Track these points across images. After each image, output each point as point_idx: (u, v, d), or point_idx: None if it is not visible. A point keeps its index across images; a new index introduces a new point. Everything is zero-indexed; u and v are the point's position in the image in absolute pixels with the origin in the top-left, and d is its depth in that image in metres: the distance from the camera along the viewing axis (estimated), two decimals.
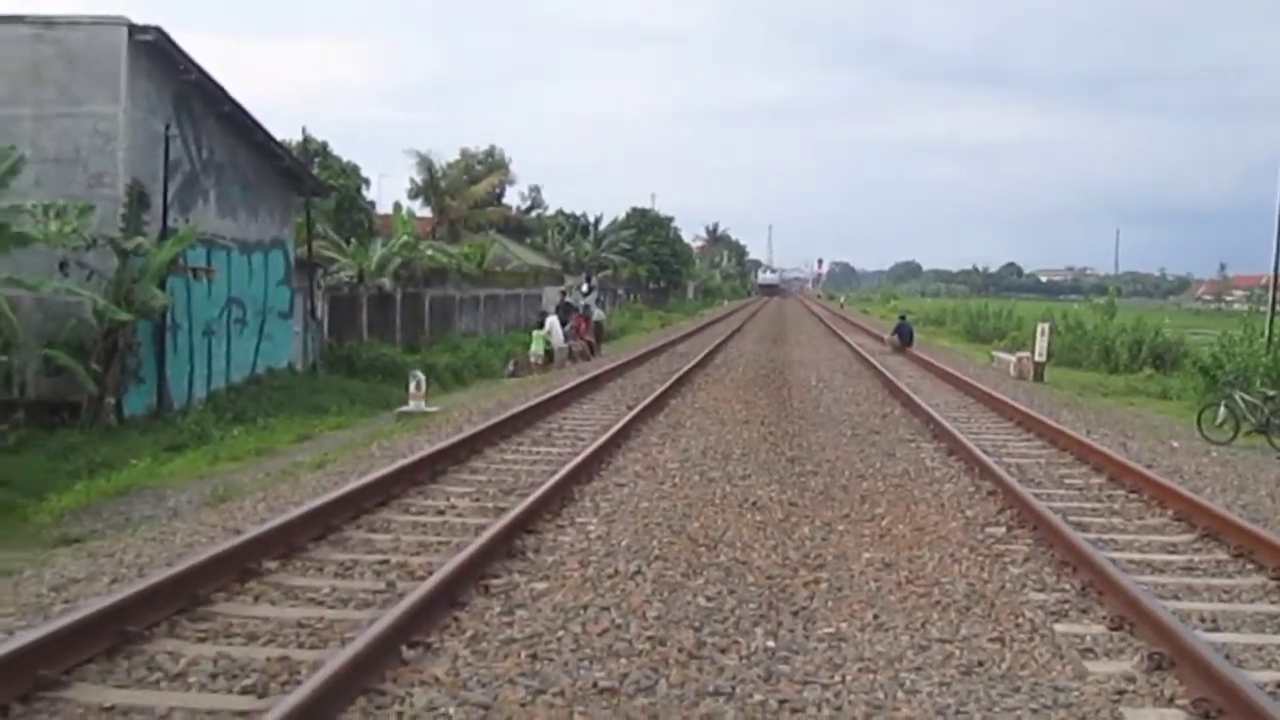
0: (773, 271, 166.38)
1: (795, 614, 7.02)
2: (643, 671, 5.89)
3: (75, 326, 18.03)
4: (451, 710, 5.25)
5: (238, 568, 7.45)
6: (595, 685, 5.66)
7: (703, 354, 28.39)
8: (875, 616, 6.99)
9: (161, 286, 18.84)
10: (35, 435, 16.80)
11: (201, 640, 6.26)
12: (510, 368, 28.66)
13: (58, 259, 17.73)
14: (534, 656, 6.03)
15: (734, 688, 5.74)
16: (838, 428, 15.69)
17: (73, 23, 18.81)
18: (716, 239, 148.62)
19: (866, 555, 8.49)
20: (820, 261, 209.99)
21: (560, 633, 6.42)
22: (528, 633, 6.40)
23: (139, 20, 18.82)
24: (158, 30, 18.91)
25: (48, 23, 18.77)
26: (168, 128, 19.97)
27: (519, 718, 5.22)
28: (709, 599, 7.23)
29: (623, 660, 6.05)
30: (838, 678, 5.93)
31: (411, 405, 19.13)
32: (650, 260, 77.77)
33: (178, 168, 20.39)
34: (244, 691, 5.51)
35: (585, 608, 6.89)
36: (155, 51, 19.37)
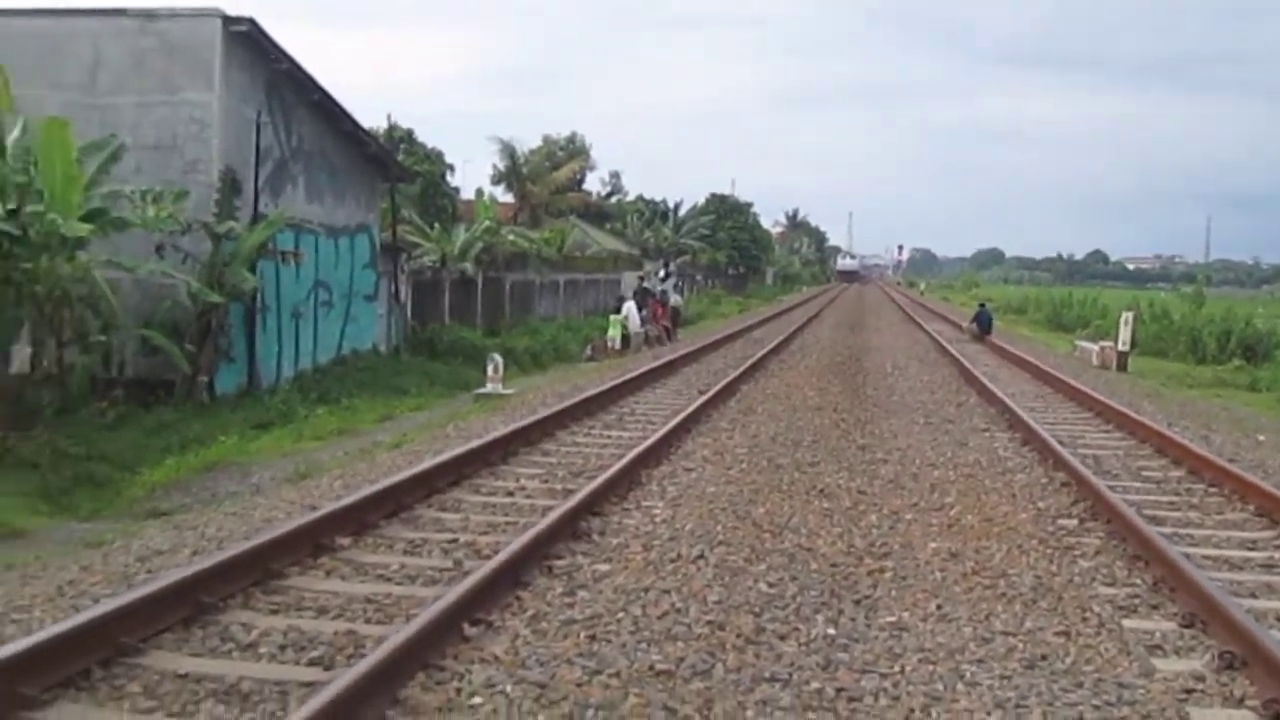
0: (852, 258, 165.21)
1: (858, 602, 7.03)
2: (700, 655, 5.95)
3: (170, 308, 18.60)
4: (509, 688, 5.38)
5: (311, 543, 7.70)
6: (652, 667, 5.74)
7: (778, 340, 28.33)
8: (939, 607, 6.96)
9: (252, 270, 19.37)
10: (133, 412, 17.35)
11: (273, 613, 6.50)
12: (588, 352, 28.90)
13: (155, 242, 18.27)
14: (593, 637, 6.14)
15: (791, 674, 5.77)
16: (911, 415, 15.60)
17: (172, 15, 19.35)
18: (796, 225, 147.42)
19: (933, 545, 8.45)
20: (900, 248, 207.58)
21: (620, 614, 6.52)
22: (588, 614, 6.51)
23: (233, 12, 19.34)
24: (250, 21, 19.39)
25: (149, 15, 19.33)
26: (259, 115, 20.47)
27: (574, 697, 5.32)
28: (771, 585, 7.27)
29: (680, 644, 6.11)
30: (897, 667, 5.92)
31: (489, 387, 19.42)
32: (729, 246, 77.51)
33: (268, 154, 20.91)
34: (311, 663, 5.71)
35: (646, 590, 6.99)
36: (248, 41, 19.87)
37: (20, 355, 15.44)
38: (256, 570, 7.01)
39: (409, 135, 43.29)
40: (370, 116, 56.82)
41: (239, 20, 19.30)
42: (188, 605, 6.31)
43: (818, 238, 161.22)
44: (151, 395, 18.13)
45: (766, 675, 5.76)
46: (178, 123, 19.30)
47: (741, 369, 19.88)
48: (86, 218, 15.59)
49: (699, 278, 67.25)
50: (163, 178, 18.70)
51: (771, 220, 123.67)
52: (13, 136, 15.35)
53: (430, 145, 44.62)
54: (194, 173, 19.25)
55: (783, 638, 6.34)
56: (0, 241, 14.61)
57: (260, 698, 5.27)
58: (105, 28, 19.32)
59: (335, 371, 22.71)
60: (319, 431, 15.83)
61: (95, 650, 5.55)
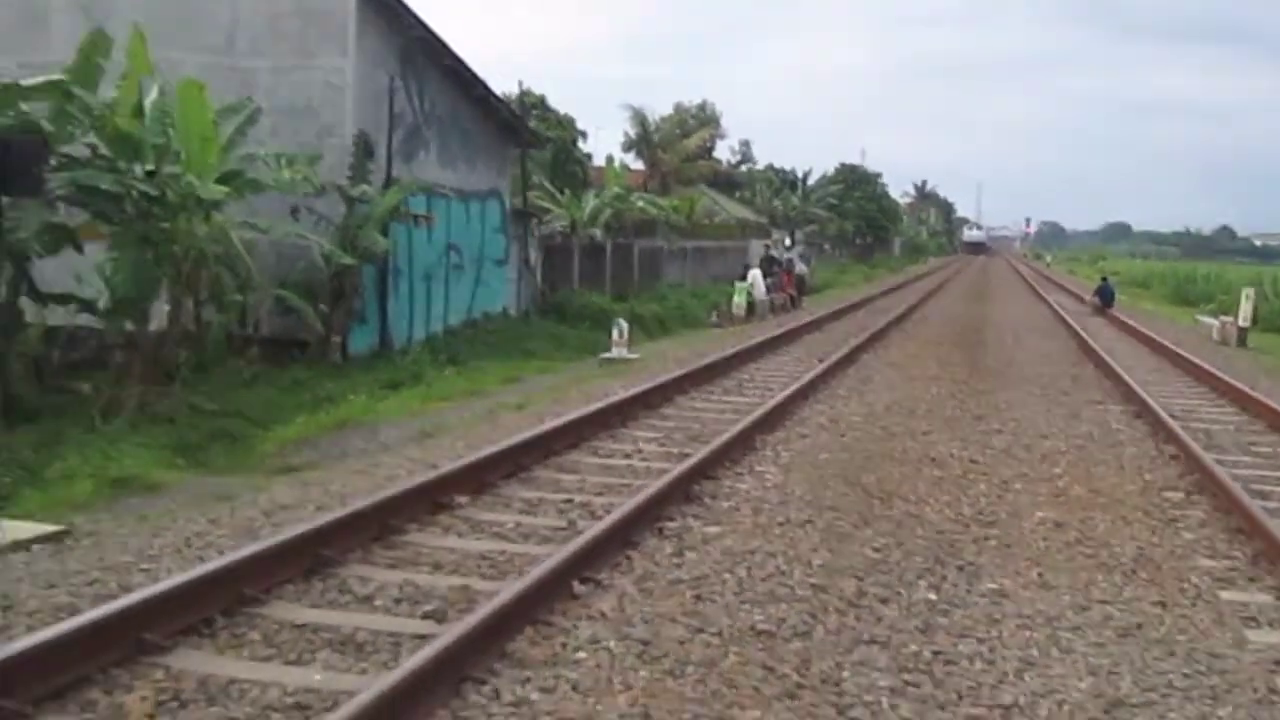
0: (979, 229, 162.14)
1: (960, 569, 7.04)
2: (801, 617, 5.99)
3: (305, 269, 19.03)
4: (612, 644, 5.42)
5: (430, 501, 7.82)
6: (753, 628, 5.79)
7: (901, 310, 28.20)
8: (1040, 575, 6.95)
9: (384, 233, 19.67)
10: (267, 370, 17.82)
11: (391, 567, 6.62)
12: (713, 318, 28.81)
13: (290, 205, 18.68)
14: (698, 597, 6.18)
15: (890, 637, 5.80)
16: (1027, 387, 15.49)
17: None
18: (924, 196, 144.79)
19: (1039, 514, 8.44)
20: (1028, 220, 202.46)
21: (725, 576, 6.57)
22: (694, 574, 6.55)
23: None
24: None
25: None
26: (392, 80, 20.75)
27: (675, 654, 5.37)
28: (876, 550, 7.29)
29: (783, 605, 6.15)
30: (994, 633, 5.94)
31: (614, 352, 19.48)
32: (857, 216, 76.48)
33: (401, 119, 21.19)
34: (425, 616, 5.81)
35: (752, 553, 7.03)
36: (382, 7, 20.13)
37: (159, 313, 15.94)
38: (376, 526, 7.15)
39: (541, 101, 43.53)
40: (502, 83, 57.35)
41: None
42: (309, 558, 6.46)
43: (945, 209, 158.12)
44: (286, 354, 18.59)
45: (865, 638, 5.79)
46: (313, 87, 19.66)
47: (863, 338, 19.73)
48: (223, 179, 15.93)
49: (826, 247, 66.60)
50: (297, 141, 19.10)
51: (900, 191, 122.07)
52: (151, 98, 15.70)
53: (562, 112, 44.89)
54: (328, 136, 19.61)
55: (884, 601, 6.35)
56: (139, 202, 15.02)
57: (374, 648, 5.37)
58: None
59: (465, 334, 23.03)
60: (446, 392, 16.07)
61: (219, 599, 5.70)
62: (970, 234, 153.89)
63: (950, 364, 17.66)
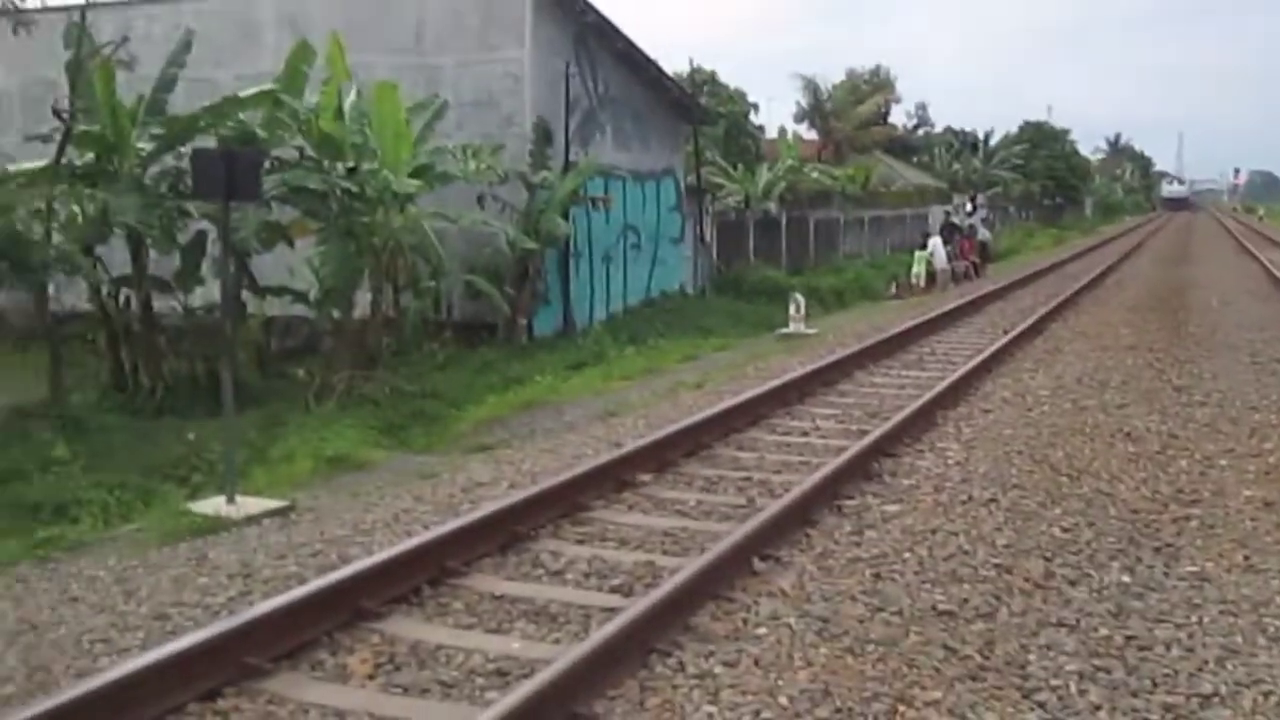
0: (1180, 183, 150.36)
1: (1157, 550, 6.87)
2: (984, 598, 6.00)
3: (491, 255, 19.81)
4: (792, 621, 5.64)
5: (616, 479, 8.23)
6: (934, 607, 5.85)
7: (1093, 275, 27.10)
8: (1246, 558, 6.71)
9: (565, 216, 20.30)
10: (460, 353, 18.66)
11: (580, 543, 7.04)
12: (892, 289, 28.52)
13: (476, 193, 19.46)
14: (877, 576, 6.30)
15: (1079, 620, 5.74)
16: (1235, 355, 14.68)
17: None
18: (1118, 150, 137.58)
19: (1247, 493, 8.08)
20: (1236, 171, 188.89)
21: (906, 555, 6.64)
22: (874, 553, 6.67)
23: None
24: None
25: None
26: (568, 67, 21.31)
27: (855, 632, 5.52)
28: (1064, 530, 7.19)
29: (965, 585, 6.18)
30: (1194, 618, 5.79)
31: (791, 327, 19.62)
32: (1044, 176, 73.49)
33: (577, 104, 21.74)
34: (612, 590, 6.18)
35: (934, 532, 7.06)
36: None
37: (362, 302, 16.88)
38: (565, 503, 7.59)
39: (712, 77, 43.66)
40: (673, 62, 57.67)
41: None
42: (504, 533, 6.94)
43: (1142, 164, 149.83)
44: (476, 337, 19.44)
45: (1053, 620, 5.75)
46: (494, 79, 20.39)
47: (1051, 306, 19.24)
48: (415, 173, 16.80)
49: (1011, 210, 64.57)
50: (481, 132, 19.91)
51: (1091, 147, 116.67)
52: (350, 100, 16.68)
53: (732, 86, 44.93)
54: (510, 126, 20.34)
55: (1073, 583, 6.28)
56: (342, 198, 15.97)
57: (566, 619, 5.78)
58: None
59: (644, 313, 23.52)
60: (627, 371, 16.52)
61: (425, 571, 6.23)
62: (1170, 189, 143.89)
63: (1148, 331, 17.01)
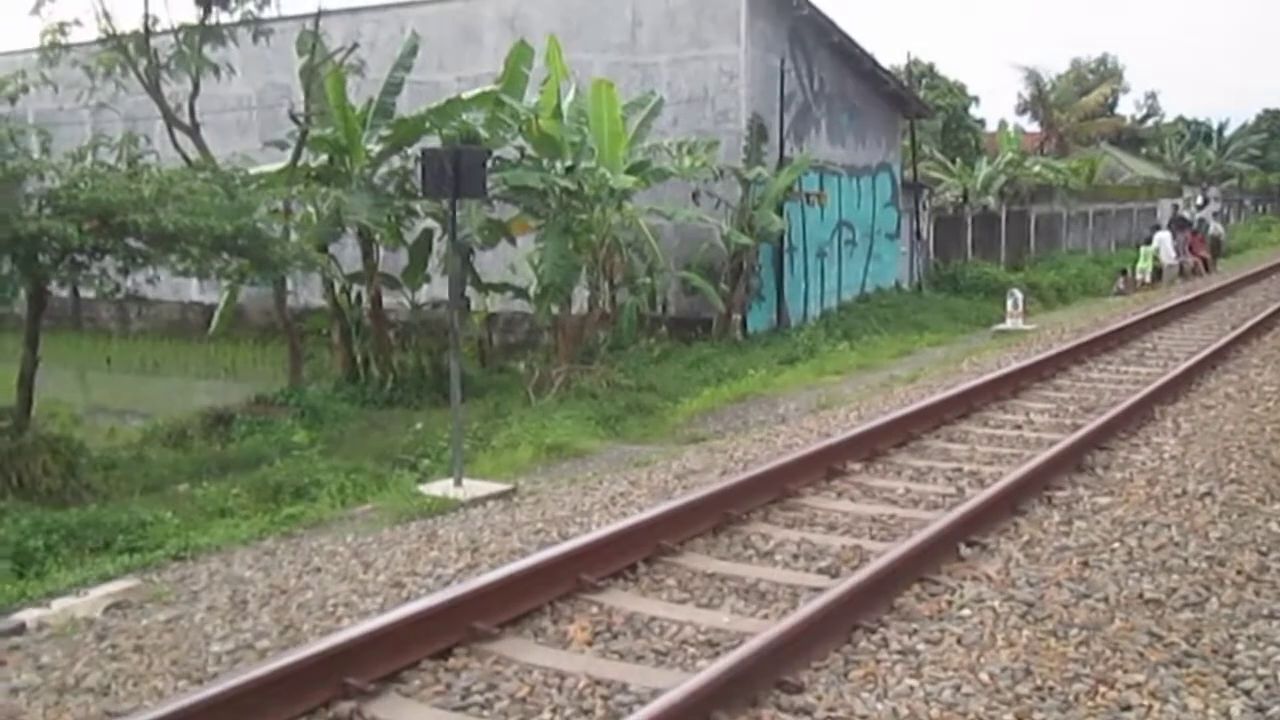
0: None
1: None
2: (1193, 588, 5.92)
3: (706, 250, 20.18)
4: (996, 604, 5.68)
5: (825, 467, 8.37)
6: (1141, 596, 5.80)
7: None
8: None
9: (779, 212, 20.46)
10: (675, 347, 19.11)
11: (789, 527, 7.23)
12: (1118, 285, 27.49)
13: (691, 190, 19.83)
14: (1085, 564, 6.26)
15: None
16: None
17: None
18: None
19: None
20: None
21: (1115, 545, 6.57)
22: (1082, 543, 6.62)
23: None
24: None
25: None
26: (782, 63, 21.46)
27: (1060, 617, 5.53)
28: None
29: (1174, 576, 6.09)
30: None
31: (1008, 323, 19.23)
32: None
33: (792, 100, 21.86)
34: (820, 571, 6.35)
35: (1145, 524, 6.95)
36: None
37: (579, 298, 17.47)
38: (775, 489, 7.78)
39: (930, 70, 42.97)
40: (890, 54, 56.83)
41: None
42: (716, 516, 7.19)
43: None
44: (691, 332, 19.83)
45: (1265, 612, 5.65)
46: (708, 76, 20.73)
47: None
48: (631, 170, 17.23)
49: (1247, 203, 60.86)
50: (696, 128, 20.28)
51: None
52: (568, 99, 17.25)
53: (952, 79, 44.07)
54: (724, 122, 20.65)
55: None
56: (560, 196, 16.56)
57: (774, 597, 5.99)
58: None
59: (858, 309, 23.46)
60: (839, 366, 16.59)
61: (640, 549, 6.53)
62: None
63: None
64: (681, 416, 14.17)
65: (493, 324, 19.34)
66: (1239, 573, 6.17)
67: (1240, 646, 5.24)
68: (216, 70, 16.40)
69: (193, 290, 22.66)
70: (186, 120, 16.50)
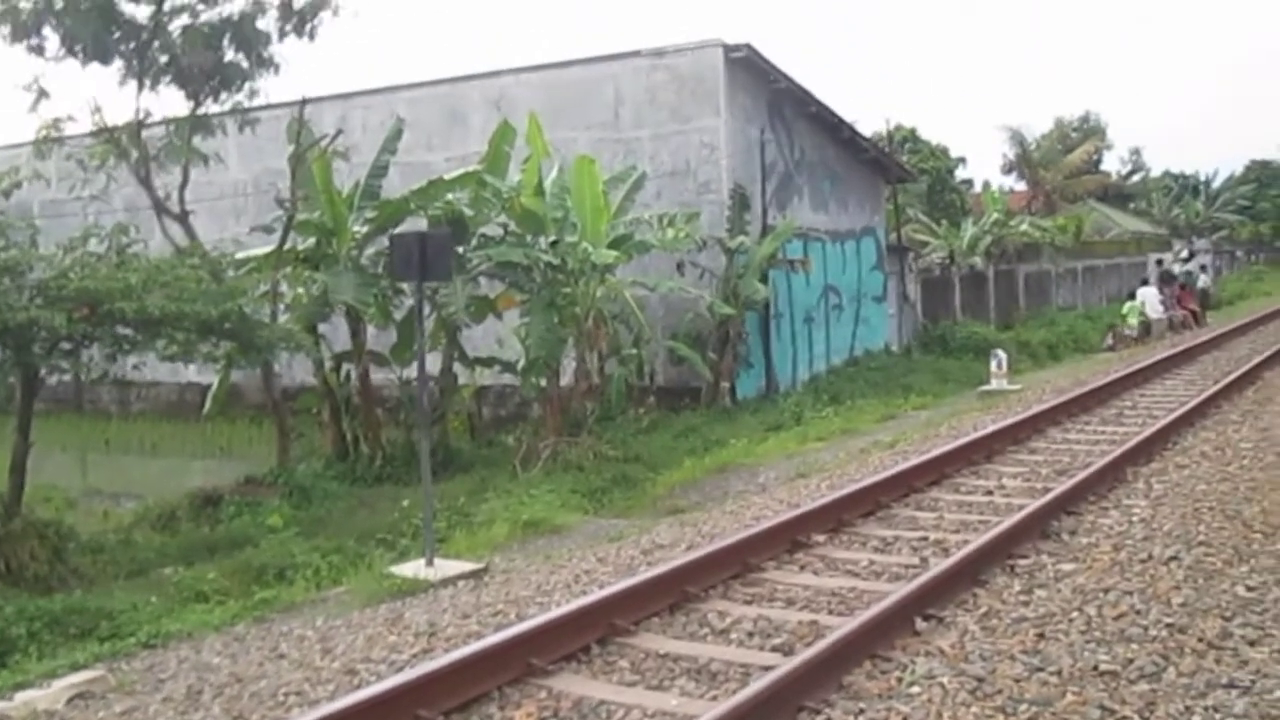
0: None
1: None
2: (1151, 658, 5.86)
3: (693, 320, 20.34)
4: (946, 680, 5.65)
5: (789, 539, 8.38)
6: (1096, 667, 5.75)
7: None
8: None
9: (764, 280, 20.64)
10: (663, 417, 19.18)
11: (748, 603, 7.23)
12: (1108, 340, 27.62)
13: (675, 261, 20.04)
14: (1041, 636, 6.22)
15: (1253, 682, 5.55)
16: None
17: (678, 50, 21.13)
18: None
19: None
20: None
21: (1074, 614, 6.52)
22: (1040, 613, 6.58)
23: (731, 40, 20.76)
24: (748, 47, 20.71)
25: (659, 53, 21.25)
26: (762, 133, 21.81)
27: (1009, 692, 5.49)
28: (1250, 589, 6.91)
29: (1133, 645, 6.05)
30: None
31: (993, 384, 19.28)
32: (1274, 217, 69.09)
33: (773, 169, 22.17)
34: (774, 649, 6.33)
35: (1106, 591, 6.90)
36: (748, 66, 21.23)
37: (568, 369, 17.59)
38: (737, 564, 7.80)
39: (912, 134, 43.43)
40: (872, 119, 57.53)
41: (738, 47, 20.69)
42: (675, 594, 7.20)
43: None
44: (680, 401, 19.92)
45: (1224, 681, 5.58)
46: (690, 149, 21.04)
47: (1267, 354, 18.33)
48: (614, 244, 17.44)
49: (1238, 254, 61.15)
50: (679, 200, 20.55)
51: None
52: (551, 176, 17.56)
53: (935, 142, 44.54)
54: (706, 193, 20.92)
55: (1252, 644, 6.07)
56: (545, 270, 16.76)
57: (725, 677, 5.98)
58: (623, 69, 21.50)
59: (847, 373, 23.56)
60: (823, 432, 16.62)
61: (594, 630, 6.55)
62: None
63: None
64: (664, 488, 14.21)
65: (483, 397, 19.46)
66: (1200, 640, 6.11)
67: (1196, 718, 5.20)
68: (206, 160, 16.72)
69: (191, 371, 22.82)
70: (176, 209, 16.77)
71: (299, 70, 27.53)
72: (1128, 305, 27.58)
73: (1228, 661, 5.85)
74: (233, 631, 8.18)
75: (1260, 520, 8.46)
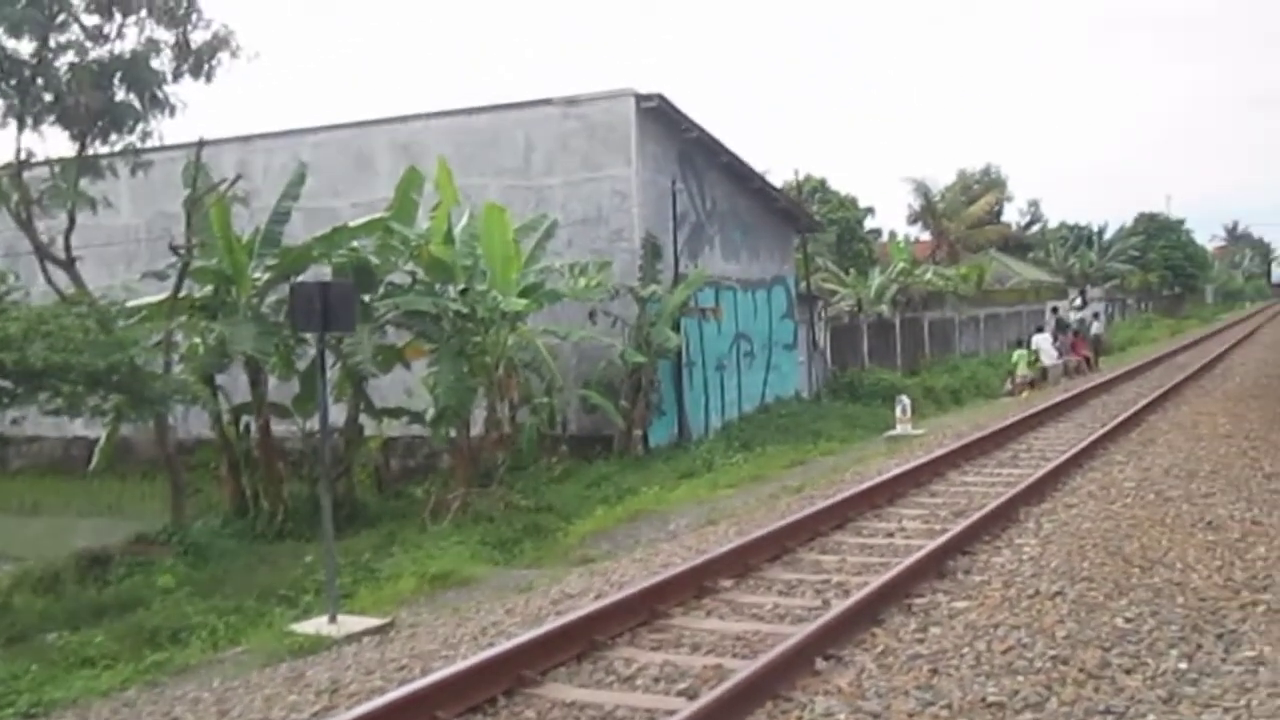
0: None
1: (1219, 637, 6.90)
2: (1035, 689, 6.08)
3: (605, 368, 20.37)
4: (843, 717, 5.76)
5: (696, 585, 8.44)
6: (984, 700, 5.94)
7: (1201, 364, 26.69)
8: None
9: (676, 328, 20.79)
10: (576, 466, 19.16)
11: (654, 649, 7.25)
12: (1008, 386, 28.28)
13: (587, 309, 20.08)
14: (934, 671, 6.39)
15: (1128, 708, 5.80)
16: None
17: (591, 99, 21.33)
18: (1237, 239, 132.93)
19: None
20: None
21: (965, 650, 6.72)
22: (934, 649, 6.76)
23: (644, 89, 21.01)
24: (660, 97, 20.99)
25: (571, 101, 21.42)
26: (674, 183, 22.04)
27: None
28: (1128, 620, 7.21)
29: (1019, 677, 6.26)
30: (1243, 702, 5.83)
31: (898, 429, 19.61)
32: (1161, 267, 71.76)
33: (684, 218, 22.39)
34: (679, 694, 6.37)
35: (996, 627, 7.12)
36: (660, 116, 21.50)
37: (479, 419, 17.48)
38: (644, 611, 7.82)
39: (822, 185, 44.31)
40: (783, 169, 58.52)
41: (650, 97, 20.96)
42: (582, 642, 7.20)
43: (1262, 251, 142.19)
44: (592, 449, 19.91)
45: (1101, 708, 5.82)
46: (601, 197, 21.18)
47: (1152, 397, 19.10)
48: (525, 292, 17.43)
49: (1129, 301, 63.35)
50: (591, 248, 20.65)
51: (1208, 235, 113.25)
52: (461, 224, 17.47)
53: (844, 192, 45.52)
54: (619, 241, 21.06)
55: (1129, 672, 6.33)
56: (454, 319, 16.69)
57: None
58: (535, 116, 21.63)
59: (759, 419, 23.79)
60: (734, 479, 16.74)
61: (501, 681, 6.52)
62: None
63: (1247, 420, 16.71)
64: (575, 537, 14.16)
65: (390, 449, 19.24)
66: (1081, 670, 6.35)
67: None
68: (94, 204, 15.97)
69: (78, 425, 22.16)
70: (61, 254, 16.00)
71: (198, 112, 27.08)
72: (1015, 354, 28.32)
73: (1105, 690, 6.10)
74: (122, 697, 7.96)
75: (1140, 556, 8.80)
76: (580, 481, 18.23)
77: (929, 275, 36.59)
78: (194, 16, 15.41)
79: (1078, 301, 36.45)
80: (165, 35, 15.45)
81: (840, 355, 29.76)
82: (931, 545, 8.85)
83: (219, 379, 16.77)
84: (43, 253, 16.13)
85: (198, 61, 15.54)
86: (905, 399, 20.51)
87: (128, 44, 15.49)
